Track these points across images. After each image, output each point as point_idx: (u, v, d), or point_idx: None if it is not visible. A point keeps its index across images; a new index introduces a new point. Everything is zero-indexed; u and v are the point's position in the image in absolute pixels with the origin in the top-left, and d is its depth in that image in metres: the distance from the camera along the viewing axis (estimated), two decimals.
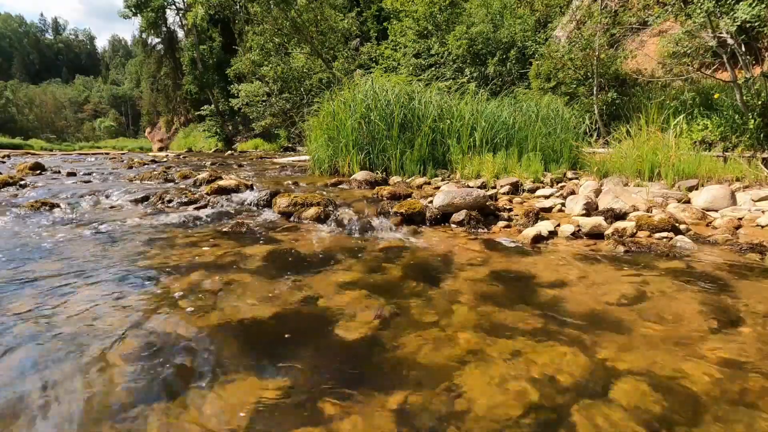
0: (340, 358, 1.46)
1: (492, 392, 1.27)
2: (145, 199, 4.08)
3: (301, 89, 16.56)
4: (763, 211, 3.27)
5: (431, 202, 3.58)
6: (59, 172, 6.27)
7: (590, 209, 3.50)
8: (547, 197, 4.21)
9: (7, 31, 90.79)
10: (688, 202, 3.64)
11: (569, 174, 5.27)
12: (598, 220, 3.09)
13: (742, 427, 1.13)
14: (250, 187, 4.30)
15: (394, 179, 5.27)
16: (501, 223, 3.33)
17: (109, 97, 74.42)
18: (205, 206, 3.84)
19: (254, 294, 1.97)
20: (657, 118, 5.15)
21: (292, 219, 3.49)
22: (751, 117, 4.81)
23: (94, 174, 6.16)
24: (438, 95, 6.18)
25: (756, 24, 4.62)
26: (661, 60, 7.65)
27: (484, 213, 3.45)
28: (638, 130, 5.11)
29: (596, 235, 2.99)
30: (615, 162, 5.02)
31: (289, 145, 17.52)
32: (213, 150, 22.00)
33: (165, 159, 10.90)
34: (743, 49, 4.93)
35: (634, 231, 2.94)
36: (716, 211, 3.46)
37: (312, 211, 3.46)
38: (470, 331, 1.64)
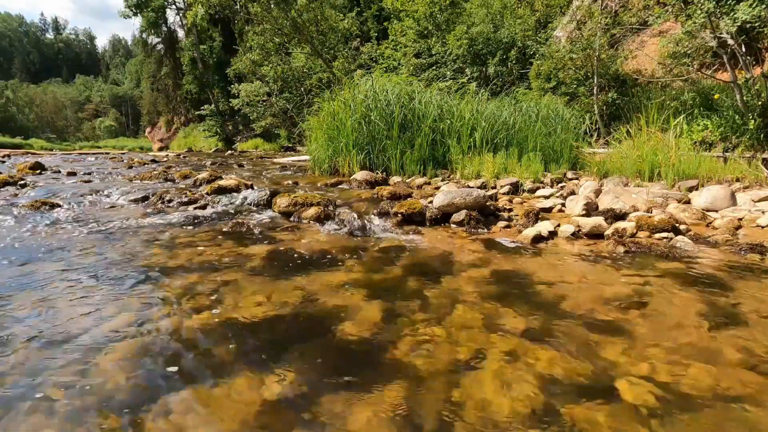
0: (341, 358, 1.47)
1: (492, 393, 1.27)
2: (145, 198, 4.08)
3: (302, 89, 16.56)
4: (763, 212, 3.26)
5: (431, 202, 3.58)
6: (59, 171, 6.26)
7: (590, 209, 3.50)
8: (547, 197, 4.20)
9: (7, 30, 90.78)
10: (688, 202, 3.63)
11: (569, 174, 5.26)
12: (598, 220, 3.09)
13: (742, 427, 1.13)
14: (250, 187, 4.29)
15: (394, 179, 5.27)
16: (501, 223, 3.33)
17: (110, 97, 74.36)
18: (205, 206, 3.84)
19: (254, 294, 1.97)
20: (657, 119, 5.15)
21: (292, 219, 3.49)
22: (751, 117, 4.81)
23: (94, 174, 6.16)
24: (438, 95, 6.18)
25: (756, 24, 4.62)
26: (662, 60, 7.65)
27: (484, 213, 3.45)
28: (638, 130, 5.10)
29: (596, 235, 2.99)
30: (615, 162, 5.01)
31: (289, 145, 17.51)
32: (213, 150, 21.97)
33: (165, 159, 10.89)
34: (743, 49, 4.93)
35: (634, 231, 2.94)
36: (716, 211, 3.46)
37: (312, 211, 3.46)
38: (470, 331, 1.64)
